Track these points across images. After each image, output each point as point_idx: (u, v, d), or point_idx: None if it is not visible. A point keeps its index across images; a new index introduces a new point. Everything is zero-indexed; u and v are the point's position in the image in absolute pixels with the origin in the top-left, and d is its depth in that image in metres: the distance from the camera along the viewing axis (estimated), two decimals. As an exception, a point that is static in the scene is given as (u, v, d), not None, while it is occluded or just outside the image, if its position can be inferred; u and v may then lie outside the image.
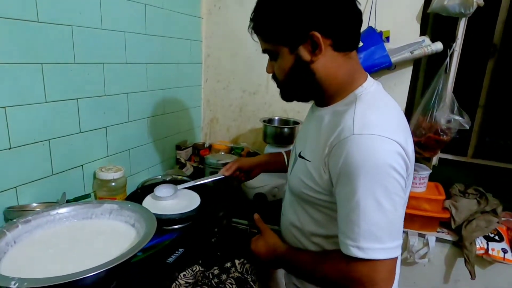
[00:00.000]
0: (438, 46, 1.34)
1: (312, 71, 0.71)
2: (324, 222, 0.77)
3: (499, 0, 1.47)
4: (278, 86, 0.79)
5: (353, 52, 0.74)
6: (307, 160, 0.76)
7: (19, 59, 0.88)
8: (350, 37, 0.72)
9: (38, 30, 0.91)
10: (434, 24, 1.53)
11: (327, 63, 0.71)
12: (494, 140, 1.61)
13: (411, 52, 1.35)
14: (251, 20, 0.75)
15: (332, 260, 0.70)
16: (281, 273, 1.19)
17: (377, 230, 0.63)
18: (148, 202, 1.07)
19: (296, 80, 0.74)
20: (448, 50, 1.34)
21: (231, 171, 1.10)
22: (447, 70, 1.34)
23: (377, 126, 0.66)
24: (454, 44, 1.33)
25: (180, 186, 1.12)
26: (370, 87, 0.74)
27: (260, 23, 0.73)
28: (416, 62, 1.47)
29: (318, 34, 0.67)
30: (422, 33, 1.42)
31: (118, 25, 1.17)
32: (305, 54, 0.70)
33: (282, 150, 1.44)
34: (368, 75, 0.77)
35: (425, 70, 1.59)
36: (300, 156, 0.80)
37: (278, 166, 1.13)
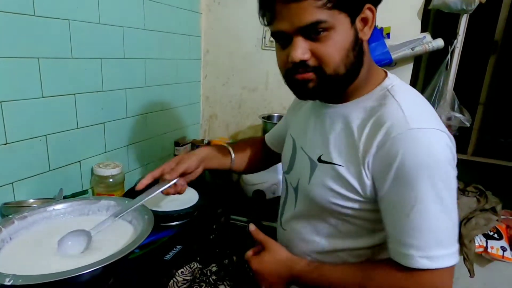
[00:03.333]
0: (439, 43, 1.33)
1: (363, 50, 0.63)
2: (353, 234, 0.69)
3: (501, -4, 1.46)
4: (316, 78, 0.61)
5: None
6: (338, 165, 0.65)
7: (15, 53, 0.86)
8: None
9: (34, 24, 0.89)
10: (435, 20, 1.51)
11: (366, 46, 0.64)
12: (494, 138, 1.60)
13: (412, 49, 1.34)
14: None
15: (386, 273, 0.61)
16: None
17: (444, 235, 0.57)
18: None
19: (352, 63, 0.61)
20: (449, 47, 1.33)
21: (176, 174, 0.84)
22: (448, 67, 1.33)
23: (429, 118, 0.60)
24: (455, 41, 1.33)
25: (95, 229, 0.75)
26: (395, 79, 0.68)
27: None
28: (417, 59, 1.45)
29: (373, 8, 0.60)
30: (423, 29, 1.40)
31: (116, 20, 1.16)
32: (359, 28, 0.61)
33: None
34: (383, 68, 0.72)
35: (426, 67, 1.58)
36: (321, 161, 0.69)
37: (223, 161, 0.94)
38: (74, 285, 0.65)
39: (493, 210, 1.35)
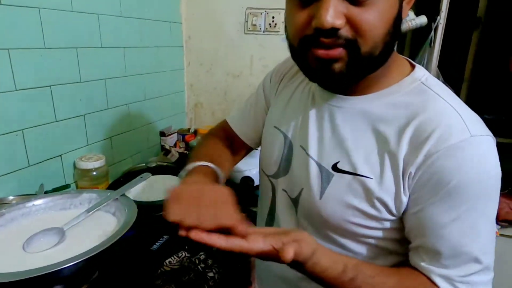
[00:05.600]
0: (423, 20, 1.32)
1: (400, 29, 0.51)
2: (371, 256, 0.58)
3: (483, -28, 1.45)
4: (350, 55, 0.47)
5: None
6: (365, 177, 0.52)
7: (-18, 44, 0.83)
8: None
9: (2, 13, 0.85)
10: (418, -3, 1.50)
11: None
12: (480, 114, 1.61)
13: (395, 27, 1.33)
14: None
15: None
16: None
17: (491, 260, 0.51)
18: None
19: (390, 42, 0.48)
20: (433, 24, 1.32)
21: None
22: (432, 44, 1.32)
23: (481, 123, 0.50)
24: (439, 18, 1.31)
25: (68, 225, 0.72)
26: (423, 69, 0.55)
27: None
28: (401, 36, 1.44)
29: None
30: (406, 7, 1.39)
31: (90, 7, 1.11)
32: (404, 3, 0.49)
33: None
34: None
35: (410, 45, 1.57)
36: (338, 170, 0.55)
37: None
38: (56, 281, 0.63)
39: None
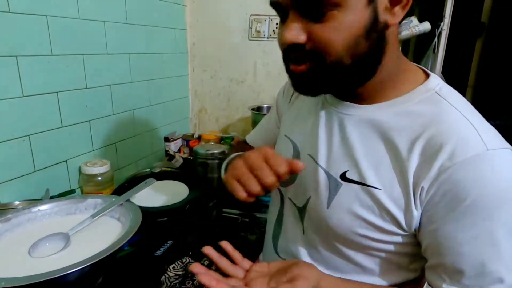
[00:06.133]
0: (426, 26, 1.32)
1: (385, 41, 0.48)
2: (378, 271, 0.56)
3: (487, -22, 1.45)
4: (316, 67, 0.49)
5: None
6: (373, 187, 0.51)
7: (-9, 52, 0.84)
8: None
9: (10, 21, 0.87)
10: (422, 4, 1.50)
11: (394, 32, 0.49)
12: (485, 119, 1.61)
13: (399, 33, 1.33)
14: None
15: None
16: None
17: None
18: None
19: (361, 54, 0.47)
20: (436, 30, 1.33)
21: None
22: (435, 50, 1.32)
23: (498, 135, 0.48)
24: (442, 24, 1.32)
25: (73, 230, 0.72)
26: (438, 78, 0.53)
27: None
28: (405, 43, 1.45)
29: None
30: (410, 13, 1.39)
31: (97, 14, 1.13)
32: (382, 10, 0.46)
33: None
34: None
35: (414, 51, 1.57)
36: (347, 179, 0.54)
37: None
38: (61, 286, 0.64)
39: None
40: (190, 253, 0.90)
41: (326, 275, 0.54)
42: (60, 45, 1.01)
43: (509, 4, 1.47)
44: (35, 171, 0.98)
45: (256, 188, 0.50)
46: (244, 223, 1.10)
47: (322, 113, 0.60)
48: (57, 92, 1.02)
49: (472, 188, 0.45)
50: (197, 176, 1.30)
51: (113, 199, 0.82)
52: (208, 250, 0.55)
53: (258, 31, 1.57)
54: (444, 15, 1.31)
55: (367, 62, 0.49)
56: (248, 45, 1.62)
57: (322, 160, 0.58)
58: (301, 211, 0.62)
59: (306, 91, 0.55)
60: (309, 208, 0.60)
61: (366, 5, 0.45)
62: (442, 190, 0.46)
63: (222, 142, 1.66)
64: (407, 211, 0.50)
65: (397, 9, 0.47)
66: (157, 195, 1.07)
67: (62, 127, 1.05)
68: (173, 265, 0.85)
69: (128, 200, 0.83)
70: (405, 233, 0.52)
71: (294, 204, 0.64)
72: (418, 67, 0.57)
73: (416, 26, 1.32)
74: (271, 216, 0.73)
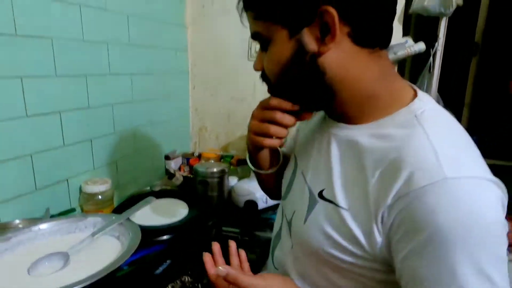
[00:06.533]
0: (421, 46, 1.36)
1: (320, 69, 0.50)
2: None
3: (479, -1, 1.50)
4: (269, 90, 0.59)
5: (383, 51, 0.53)
6: (341, 207, 0.52)
7: (-3, 73, 0.86)
8: (380, 27, 0.50)
9: (16, 44, 0.89)
10: (416, 24, 1.55)
11: (343, 59, 0.50)
12: (482, 138, 1.62)
13: (395, 53, 1.36)
14: None
15: None
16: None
17: None
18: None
19: (294, 79, 0.53)
20: (431, 50, 1.36)
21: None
22: (431, 70, 1.35)
23: (472, 163, 0.45)
24: (436, 44, 1.35)
25: (73, 249, 0.73)
26: (429, 101, 0.52)
27: None
28: (401, 63, 1.48)
29: (333, 12, 0.45)
30: (405, 33, 1.43)
31: (100, 36, 1.16)
32: (309, 41, 0.49)
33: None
34: (414, 85, 0.57)
35: (410, 70, 1.60)
36: (322, 197, 0.55)
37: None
38: (60, 306, 0.63)
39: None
40: (189, 272, 0.89)
41: None
42: (64, 66, 1.03)
43: (501, 25, 1.51)
44: (36, 190, 0.99)
45: (280, 131, 0.60)
46: (244, 242, 1.10)
47: (319, 133, 0.63)
48: (60, 111, 1.04)
49: (428, 220, 0.42)
50: (197, 194, 1.30)
51: (113, 218, 0.83)
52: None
53: (257, 52, 1.61)
54: (438, 35, 1.35)
55: (307, 86, 0.53)
56: (247, 65, 1.66)
57: (308, 177, 0.61)
58: (290, 224, 0.64)
59: None
60: (293, 222, 0.63)
61: (289, 39, 0.50)
62: (399, 219, 0.45)
63: (222, 160, 1.67)
64: (370, 235, 0.48)
65: (328, 38, 0.48)
66: (157, 213, 1.07)
67: (64, 146, 1.06)
68: (172, 284, 0.84)
69: (127, 219, 0.83)
70: (371, 258, 0.50)
71: (285, 215, 0.67)
72: (410, 87, 0.56)
73: (411, 46, 1.36)
74: (275, 228, 0.75)
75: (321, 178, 0.58)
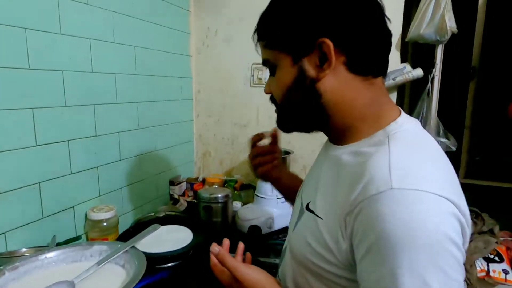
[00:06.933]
0: (419, 72, 1.39)
1: (318, 92, 0.56)
2: None
3: (473, 25, 1.54)
4: (277, 111, 0.65)
5: (379, 78, 0.58)
6: (318, 217, 0.57)
7: (10, 105, 0.90)
8: (373, 57, 0.56)
9: (29, 77, 0.94)
10: (414, 51, 1.59)
11: (338, 85, 0.56)
12: (484, 159, 1.63)
13: (394, 79, 1.40)
14: (259, 20, 0.62)
15: None
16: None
17: None
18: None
19: (296, 101, 0.59)
20: (429, 76, 1.39)
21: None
22: (430, 94, 1.38)
23: (424, 178, 0.47)
24: (434, 70, 1.38)
25: (78, 278, 0.74)
26: (407, 123, 0.57)
27: (263, 24, 0.61)
28: (400, 88, 1.51)
29: (329, 43, 0.53)
30: (403, 60, 1.47)
31: (109, 67, 1.21)
32: (309, 67, 0.56)
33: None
34: (402, 111, 0.60)
35: (410, 95, 1.63)
36: (308, 209, 0.62)
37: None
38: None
39: (491, 232, 1.34)
40: (194, 300, 0.89)
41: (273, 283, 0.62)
42: (74, 97, 1.07)
43: (496, 49, 1.55)
44: (43, 217, 1.00)
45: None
46: (248, 268, 1.10)
47: (321, 155, 0.71)
48: (68, 140, 1.07)
49: (374, 225, 0.45)
50: (201, 220, 1.31)
51: (118, 246, 0.84)
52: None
53: (260, 78, 1.66)
54: (435, 62, 1.39)
55: (306, 107, 0.59)
56: (251, 91, 1.70)
57: (302, 191, 0.71)
58: (290, 244, 0.69)
59: (279, 127, 0.68)
60: (289, 231, 0.71)
61: (292, 65, 0.57)
62: (356, 225, 0.49)
63: (226, 185, 1.68)
64: (337, 241, 0.52)
65: (325, 66, 0.55)
66: (161, 240, 1.07)
67: (71, 173, 1.09)
68: (177, 313, 0.84)
69: (133, 247, 0.84)
70: (341, 265, 0.53)
71: (289, 241, 0.72)
72: (399, 111, 0.60)
73: (409, 72, 1.39)
74: (285, 243, 0.80)
75: (310, 192, 0.65)
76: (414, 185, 0.46)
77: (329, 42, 0.53)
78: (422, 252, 0.43)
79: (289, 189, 0.87)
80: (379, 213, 0.45)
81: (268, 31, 0.60)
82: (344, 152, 0.58)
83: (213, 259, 0.65)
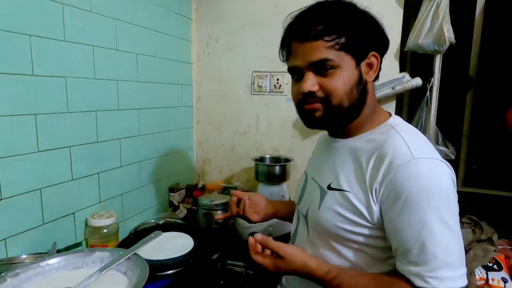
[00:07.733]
0: (418, 81, 1.41)
1: (367, 91, 0.74)
2: (364, 264, 0.73)
3: (471, 36, 1.57)
4: (325, 106, 0.72)
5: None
6: (346, 191, 0.72)
7: (13, 111, 0.90)
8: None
9: (33, 83, 0.94)
10: (412, 60, 1.61)
11: (371, 87, 0.75)
12: (482, 167, 1.64)
13: (393, 88, 1.41)
14: (318, 22, 0.68)
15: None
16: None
17: (452, 257, 0.62)
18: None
19: (355, 97, 0.72)
20: (428, 85, 1.41)
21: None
22: (428, 103, 1.39)
23: (430, 151, 0.68)
24: (432, 79, 1.40)
25: (80, 285, 0.73)
26: (398, 119, 0.77)
27: (339, 27, 0.68)
28: (399, 97, 1.53)
29: (378, 56, 0.73)
30: (402, 69, 1.49)
31: (111, 74, 1.22)
32: (364, 71, 0.72)
33: (275, 188, 1.46)
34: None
35: (408, 104, 1.65)
36: (331, 188, 0.76)
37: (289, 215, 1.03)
38: None
39: (490, 240, 1.34)
40: (195, 308, 0.89)
41: (311, 257, 0.75)
42: (76, 103, 1.08)
43: (493, 60, 1.58)
44: (43, 224, 1.00)
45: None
46: (248, 276, 1.09)
47: (323, 149, 0.87)
48: (69, 146, 1.07)
49: (404, 186, 0.63)
50: (201, 227, 1.31)
51: (120, 253, 0.83)
52: None
53: (260, 86, 1.67)
54: (434, 71, 1.40)
55: (357, 105, 0.73)
56: (251, 99, 1.71)
57: (318, 178, 0.83)
58: (305, 217, 0.84)
59: (313, 124, 0.76)
60: (309, 214, 0.82)
61: (355, 67, 0.72)
62: (387, 189, 0.66)
63: (225, 192, 1.68)
64: (368, 206, 0.69)
65: (371, 72, 0.74)
66: (161, 247, 1.07)
67: (72, 180, 1.09)
68: (178, 321, 0.83)
69: (135, 253, 0.84)
70: (371, 225, 0.69)
71: (301, 213, 0.88)
72: (387, 112, 0.80)
73: (408, 81, 1.41)
74: (292, 229, 0.94)
75: (328, 176, 0.79)
76: (427, 154, 0.66)
77: (377, 55, 0.73)
78: (443, 201, 0.63)
79: (288, 212, 1.04)
80: (407, 177, 0.63)
81: (347, 35, 0.68)
82: (356, 141, 0.76)
83: (254, 248, 0.77)
